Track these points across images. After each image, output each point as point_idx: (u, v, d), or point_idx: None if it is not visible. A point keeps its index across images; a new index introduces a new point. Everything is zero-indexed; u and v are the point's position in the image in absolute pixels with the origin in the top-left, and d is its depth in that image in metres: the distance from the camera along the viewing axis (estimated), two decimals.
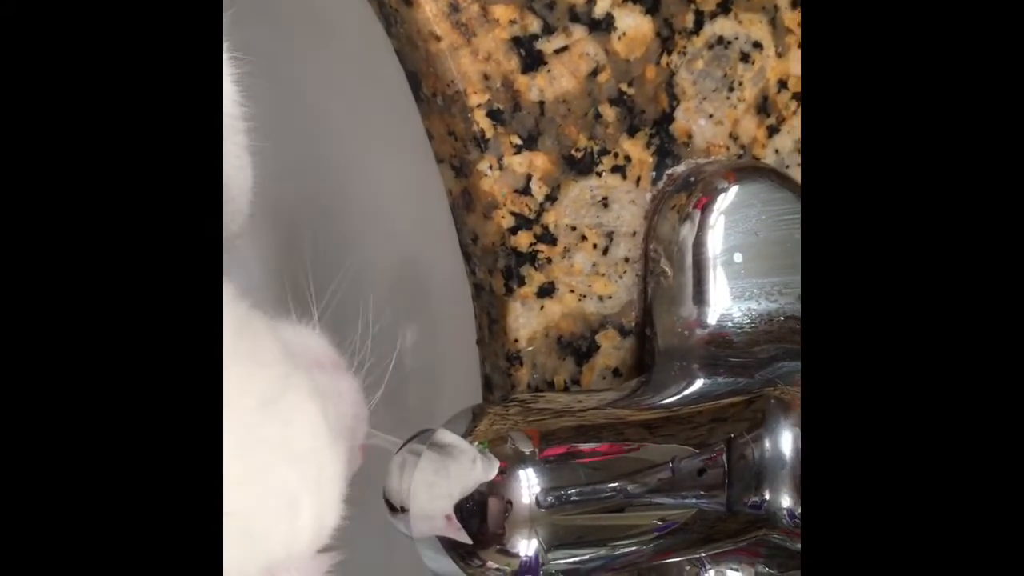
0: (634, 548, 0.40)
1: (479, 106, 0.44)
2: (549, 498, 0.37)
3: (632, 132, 0.46)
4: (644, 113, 0.46)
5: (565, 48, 0.45)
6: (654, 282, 0.46)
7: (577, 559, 0.39)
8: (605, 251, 0.46)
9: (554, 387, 0.46)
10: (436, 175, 0.48)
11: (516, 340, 0.46)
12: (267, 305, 0.55)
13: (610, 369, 0.47)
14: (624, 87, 0.46)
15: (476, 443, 0.38)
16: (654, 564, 0.46)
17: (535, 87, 0.45)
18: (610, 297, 0.47)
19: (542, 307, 0.46)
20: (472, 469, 0.37)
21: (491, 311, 0.46)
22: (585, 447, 0.39)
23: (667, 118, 0.47)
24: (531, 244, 0.45)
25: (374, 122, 0.52)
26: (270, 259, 0.56)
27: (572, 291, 0.46)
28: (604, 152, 0.46)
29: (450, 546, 0.37)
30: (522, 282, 0.46)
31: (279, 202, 0.56)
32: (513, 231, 0.45)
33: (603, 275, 0.46)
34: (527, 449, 0.37)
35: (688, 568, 0.46)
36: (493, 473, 0.37)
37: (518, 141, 0.45)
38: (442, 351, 0.54)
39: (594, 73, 0.45)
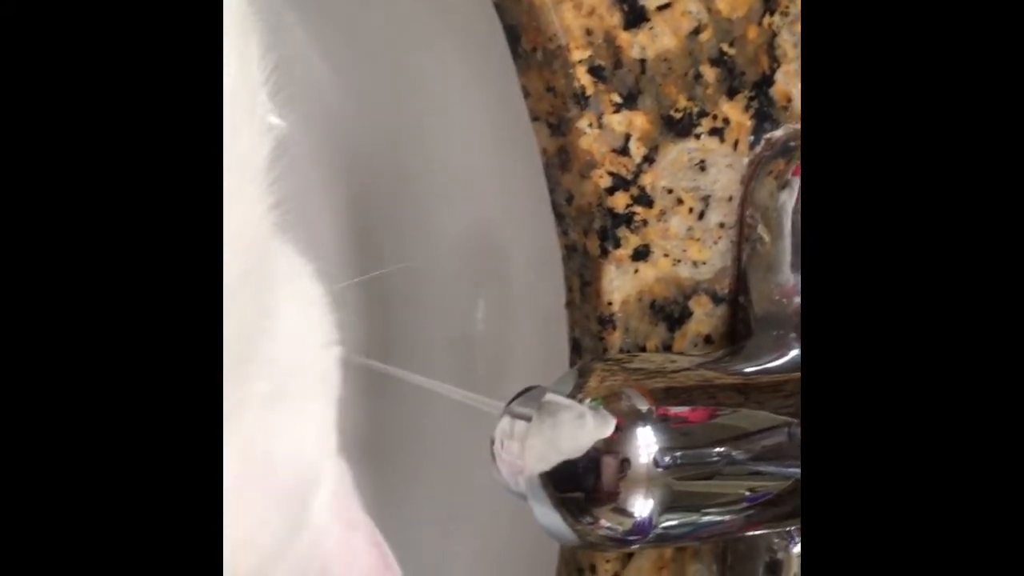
0: (729, 516, 0.39)
1: (580, 61, 0.43)
2: (666, 458, 0.36)
3: (731, 94, 0.45)
4: (744, 75, 0.45)
5: (668, 5, 0.44)
6: (749, 248, 0.45)
7: (682, 523, 0.38)
8: (701, 215, 0.45)
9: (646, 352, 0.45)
10: (520, 137, 0.47)
11: (609, 303, 0.45)
12: (333, 269, 0.53)
13: (702, 336, 0.46)
14: (725, 47, 0.45)
15: (588, 400, 0.37)
16: (742, 535, 0.45)
17: (637, 44, 0.44)
18: (704, 263, 0.46)
19: (636, 270, 0.45)
20: (586, 426, 0.36)
21: (584, 273, 0.45)
22: (691, 409, 0.38)
23: (767, 81, 0.46)
24: (627, 205, 0.44)
25: (458, 80, 0.51)
26: (342, 220, 0.55)
27: (667, 255, 0.45)
28: (703, 114, 0.45)
29: (562, 503, 0.36)
30: (618, 244, 0.44)
31: (355, 161, 0.55)
32: (610, 191, 0.44)
33: (698, 240, 0.45)
34: (643, 407, 0.36)
35: (776, 540, 0.45)
36: (609, 430, 0.36)
37: (618, 99, 0.44)
38: (516, 319, 0.53)
39: (696, 32, 0.44)
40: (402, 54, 0.52)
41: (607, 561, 0.45)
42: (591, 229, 0.45)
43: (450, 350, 0.54)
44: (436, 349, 0.55)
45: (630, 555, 0.45)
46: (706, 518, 0.37)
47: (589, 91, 0.43)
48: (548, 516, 0.36)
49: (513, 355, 0.52)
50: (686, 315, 0.46)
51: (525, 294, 0.51)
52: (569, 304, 0.46)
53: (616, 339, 0.45)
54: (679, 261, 0.45)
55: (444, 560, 0.52)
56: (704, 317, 0.46)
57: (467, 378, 0.53)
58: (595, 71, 0.43)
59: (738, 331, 0.46)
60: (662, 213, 0.45)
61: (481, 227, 0.52)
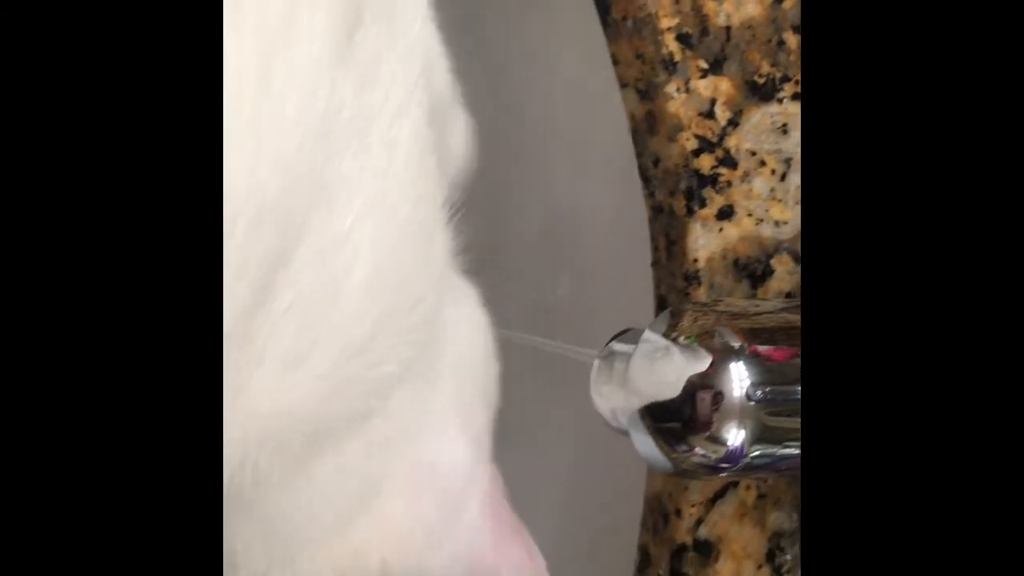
0: None
1: (669, 29, 0.46)
2: (757, 392, 0.38)
3: None
4: None
5: None
6: None
7: (765, 454, 0.39)
8: (783, 177, 0.47)
9: None
10: (600, 105, 0.49)
11: (695, 260, 0.47)
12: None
13: (783, 293, 0.48)
14: None
15: (683, 337, 0.39)
16: None
17: (722, 12, 0.46)
18: (786, 223, 0.48)
19: (721, 229, 0.47)
20: (682, 362, 0.38)
21: (670, 232, 0.47)
22: (778, 348, 0.40)
23: None
24: (712, 167, 0.47)
25: (545, 51, 0.53)
26: None
27: (750, 215, 0.47)
28: (786, 79, 0.47)
29: (659, 433, 0.38)
30: (703, 204, 0.47)
31: None
32: (696, 153, 0.46)
33: (780, 201, 0.47)
34: (736, 344, 0.38)
35: None
36: (704, 365, 0.38)
37: (704, 65, 0.46)
38: (595, 284, 0.55)
39: (779, 0, 0.47)
40: (494, 28, 0.55)
41: (692, 506, 0.47)
42: (677, 190, 0.47)
43: (532, 315, 0.56)
44: (518, 314, 0.57)
45: (713, 501, 0.47)
46: (787, 451, 0.39)
47: (677, 57, 0.46)
48: (646, 445, 0.39)
49: (593, 319, 0.55)
50: (768, 273, 0.48)
51: (604, 260, 0.54)
52: (655, 263, 0.49)
53: (701, 295, 0.47)
54: (761, 221, 0.47)
55: (531, 513, 0.54)
56: (786, 275, 0.48)
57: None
58: (683, 38, 0.46)
59: None
60: (745, 174, 0.47)
61: (561, 194, 0.55)
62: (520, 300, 0.58)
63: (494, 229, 0.57)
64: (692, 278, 0.47)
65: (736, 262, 0.47)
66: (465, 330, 0.40)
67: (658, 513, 0.48)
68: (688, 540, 0.47)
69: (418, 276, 0.35)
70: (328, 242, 0.32)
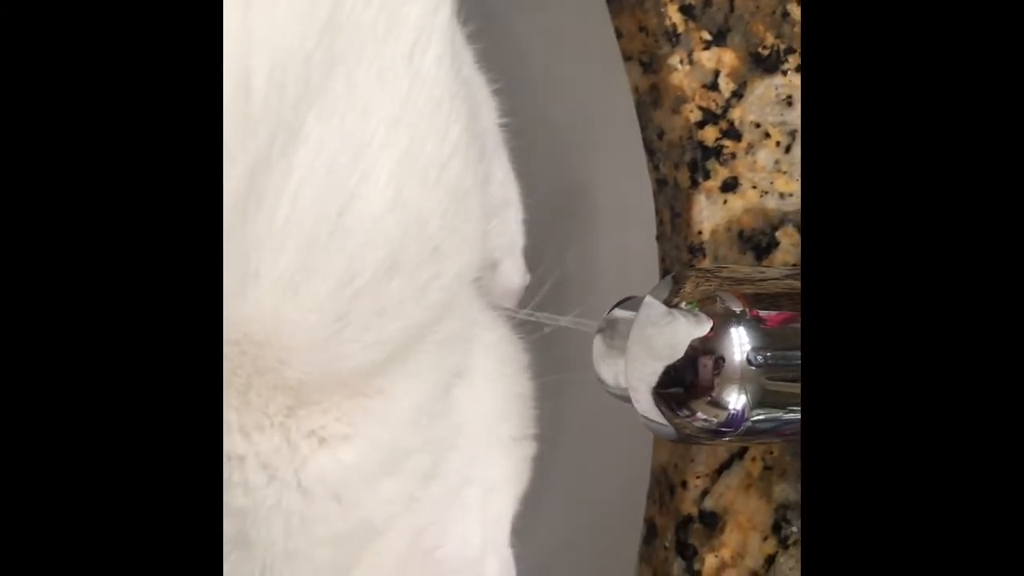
0: None
1: (672, 1, 0.46)
2: (759, 357, 0.38)
3: None
4: None
5: None
6: None
7: (768, 418, 0.39)
8: (787, 149, 0.47)
9: None
10: (605, 80, 0.49)
11: (700, 232, 0.47)
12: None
13: (788, 265, 0.48)
14: None
15: (684, 303, 0.39)
16: None
17: None
18: (791, 195, 0.48)
19: (725, 201, 0.47)
20: (684, 326, 0.38)
21: (674, 205, 0.48)
22: (779, 312, 0.40)
23: None
24: (717, 139, 0.47)
25: (549, 29, 0.53)
26: None
27: (755, 187, 0.47)
28: (790, 51, 0.47)
29: (661, 398, 0.38)
30: (707, 175, 0.47)
31: None
32: (700, 125, 0.47)
33: (784, 173, 0.48)
34: (737, 308, 0.39)
35: None
36: (705, 330, 0.38)
37: (708, 37, 0.46)
38: (602, 259, 0.55)
39: None
40: (499, 6, 0.55)
41: (697, 478, 0.47)
42: (681, 162, 0.47)
43: (539, 290, 0.57)
44: (530, 289, 0.57)
45: (719, 472, 0.47)
46: (789, 415, 0.39)
47: (680, 29, 0.46)
48: (649, 411, 0.39)
49: (600, 293, 0.55)
50: (773, 245, 0.48)
51: (611, 234, 0.54)
52: (660, 236, 0.49)
53: (706, 266, 0.47)
54: (766, 193, 0.47)
55: (539, 493, 0.55)
56: (791, 247, 0.48)
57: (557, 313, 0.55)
58: (686, 10, 0.46)
59: None
60: (750, 146, 0.47)
61: (567, 168, 0.55)
62: (533, 274, 0.58)
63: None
64: (697, 250, 0.47)
65: (741, 234, 0.47)
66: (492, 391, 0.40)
67: (664, 485, 0.48)
68: (694, 511, 0.47)
69: (447, 237, 0.34)
70: (335, 147, 0.31)
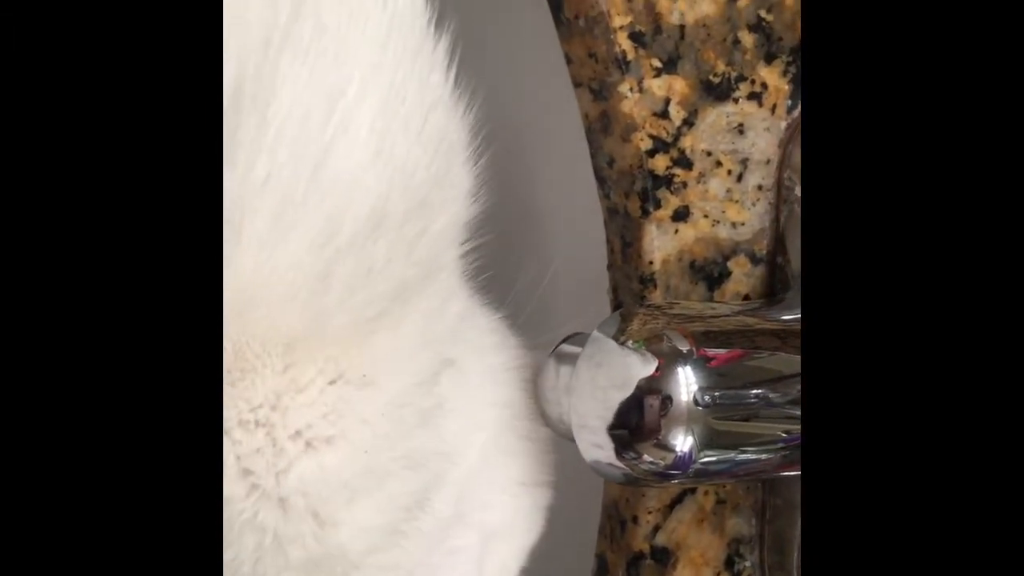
0: (765, 456, 0.40)
1: (622, 27, 0.45)
2: (706, 397, 0.37)
3: (769, 59, 0.46)
4: (782, 40, 0.47)
5: None
6: (788, 210, 0.47)
7: (720, 460, 0.39)
8: (739, 178, 0.47)
9: None
10: (557, 104, 0.49)
11: (651, 262, 0.46)
12: None
13: (740, 296, 0.47)
14: (763, 13, 0.46)
15: (631, 341, 0.38)
16: (777, 475, 0.46)
17: (676, 10, 0.45)
18: (743, 224, 0.47)
19: (676, 231, 0.46)
20: (629, 366, 0.37)
21: (625, 234, 0.47)
22: (736, 351, 0.39)
23: None
24: (667, 168, 0.46)
25: (501, 50, 0.52)
26: None
27: (706, 216, 0.46)
28: (741, 79, 0.46)
29: (607, 440, 0.38)
30: (658, 205, 0.46)
31: None
32: (651, 154, 0.46)
33: (736, 202, 0.47)
34: (684, 347, 0.38)
35: None
36: (651, 370, 0.37)
37: (658, 64, 0.45)
38: (556, 285, 0.54)
39: None
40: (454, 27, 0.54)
41: (648, 513, 0.46)
42: (632, 191, 0.46)
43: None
44: None
45: (671, 507, 0.46)
46: (743, 456, 0.38)
47: (630, 56, 0.45)
48: (593, 453, 0.38)
49: (552, 321, 0.54)
50: (725, 275, 0.47)
51: (563, 261, 0.53)
52: (611, 266, 0.48)
53: (657, 298, 0.46)
54: (718, 222, 0.47)
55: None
56: (743, 277, 0.47)
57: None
58: (635, 37, 0.45)
59: (775, 291, 0.47)
60: (701, 175, 0.46)
61: (520, 194, 0.54)
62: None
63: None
64: (648, 280, 0.46)
65: (692, 264, 0.46)
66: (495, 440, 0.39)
67: (615, 520, 0.47)
68: (645, 548, 0.46)
69: (433, 190, 0.32)
70: (308, 97, 0.29)
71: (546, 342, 0.51)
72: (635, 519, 0.46)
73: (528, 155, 0.53)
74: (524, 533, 0.37)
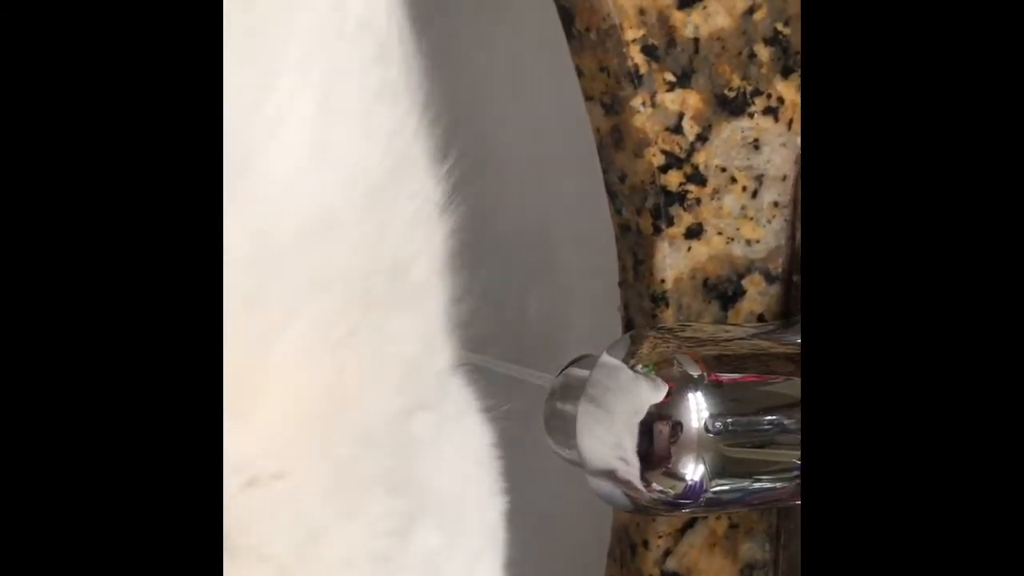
0: (780, 484, 0.39)
1: (634, 41, 0.44)
2: (717, 424, 0.36)
3: (786, 74, 0.45)
4: (799, 54, 0.45)
5: None
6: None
7: (733, 488, 0.38)
8: (754, 194, 0.46)
9: None
10: (569, 120, 0.48)
11: (662, 280, 0.45)
12: None
13: (755, 315, 0.46)
14: (780, 26, 0.45)
15: (641, 365, 0.37)
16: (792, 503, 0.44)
17: (690, 23, 0.44)
18: (758, 241, 0.46)
19: (689, 248, 0.45)
20: (638, 391, 0.36)
21: (637, 251, 0.46)
22: (750, 376, 0.38)
23: None
24: (680, 184, 0.45)
25: (509, 66, 0.51)
26: None
27: (720, 233, 0.45)
28: (757, 93, 0.45)
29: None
30: (670, 222, 0.45)
31: None
32: (663, 170, 0.45)
33: (751, 219, 0.46)
34: (695, 372, 0.37)
35: None
36: (661, 395, 0.36)
37: (671, 78, 0.44)
38: (567, 303, 0.53)
39: (750, 11, 0.45)
40: (461, 39, 0.53)
41: (659, 537, 0.45)
42: (644, 207, 0.45)
43: (503, 336, 0.55)
44: (490, 335, 0.55)
45: (682, 531, 0.45)
46: (757, 484, 0.37)
47: (643, 70, 0.44)
48: (600, 485, 0.37)
49: (566, 338, 0.53)
50: (739, 293, 0.46)
51: (576, 279, 0.52)
52: (622, 283, 0.47)
53: (669, 317, 0.45)
54: (732, 240, 0.46)
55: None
56: (757, 296, 0.46)
57: (521, 363, 0.53)
58: (648, 50, 0.44)
59: (791, 310, 0.46)
60: (715, 192, 0.45)
61: (532, 212, 0.53)
62: (490, 321, 0.56)
63: (462, 245, 0.55)
64: (659, 299, 0.45)
65: (705, 282, 0.45)
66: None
67: (625, 543, 0.46)
68: (656, 572, 0.45)
69: (388, 184, 0.29)
70: (230, 93, 0.26)
71: (556, 366, 0.50)
72: (645, 543, 0.45)
73: (540, 172, 0.52)
74: (501, 547, 0.35)
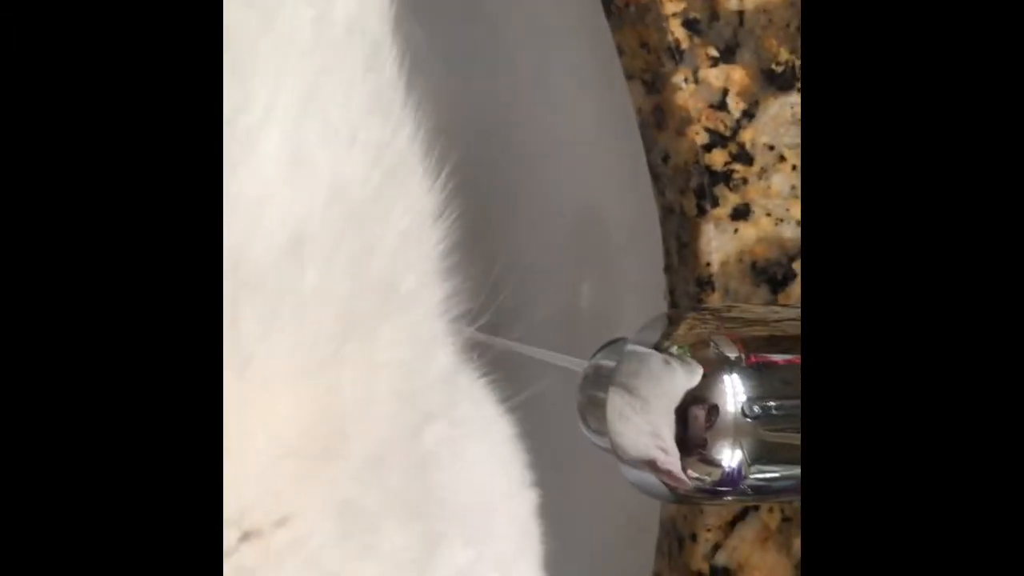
0: None
1: (675, 15, 0.42)
2: (755, 408, 0.35)
3: None
4: None
5: None
6: None
7: (782, 476, 0.36)
8: None
9: None
10: (616, 101, 0.46)
11: (708, 264, 0.43)
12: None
13: None
14: None
15: (675, 347, 0.35)
16: None
17: None
18: None
19: (736, 230, 0.43)
20: (672, 374, 0.35)
21: (681, 234, 0.44)
22: (788, 357, 0.36)
23: None
24: (726, 163, 0.43)
25: (553, 48, 0.50)
26: None
27: (768, 214, 0.44)
28: None
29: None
30: (716, 203, 0.43)
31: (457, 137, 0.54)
32: (707, 149, 0.43)
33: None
34: (732, 354, 0.35)
35: None
36: (696, 379, 0.35)
37: (715, 53, 0.43)
38: (618, 289, 0.52)
39: None
40: (493, 26, 0.52)
41: (708, 530, 0.43)
42: (688, 188, 0.43)
43: (555, 324, 0.53)
44: (541, 323, 0.54)
45: (732, 524, 0.44)
46: (796, 471, 0.35)
47: (684, 45, 0.42)
48: (634, 473, 0.35)
49: (618, 325, 0.51)
50: (790, 277, 0.44)
51: (627, 264, 0.50)
52: (667, 268, 0.45)
53: (715, 301, 0.43)
54: (782, 220, 0.44)
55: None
56: None
57: (573, 352, 0.52)
58: (690, 24, 0.42)
59: None
60: (763, 171, 0.43)
61: (581, 197, 0.51)
62: (541, 311, 0.55)
63: (508, 237, 0.54)
64: (705, 283, 0.43)
65: (754, 265, 0.44)
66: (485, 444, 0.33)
67: (672, 537, 0.45)
68: (704, 567, 0.44)
69: (373, 204, 0.27)
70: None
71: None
72: (693, 537, 0.44)
73: (586, 156, 0.51)
74: (534, 549, 0.33)
